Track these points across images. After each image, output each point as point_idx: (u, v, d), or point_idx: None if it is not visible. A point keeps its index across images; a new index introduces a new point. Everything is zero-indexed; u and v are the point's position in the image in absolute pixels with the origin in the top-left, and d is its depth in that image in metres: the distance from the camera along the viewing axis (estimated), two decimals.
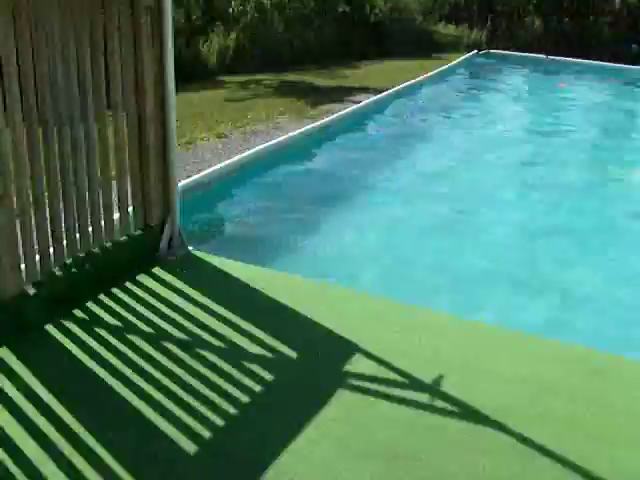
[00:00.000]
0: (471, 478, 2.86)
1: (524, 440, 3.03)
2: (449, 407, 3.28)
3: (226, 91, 13.27)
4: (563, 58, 21.12)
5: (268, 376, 3.54)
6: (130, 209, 4.84)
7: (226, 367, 3.59)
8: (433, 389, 3.41)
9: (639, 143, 12.85)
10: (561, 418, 3.23)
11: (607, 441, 3.07)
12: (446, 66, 18.13)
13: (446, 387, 3.43)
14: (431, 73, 16.65)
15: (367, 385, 3.50)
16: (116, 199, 4.73)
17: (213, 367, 3.58)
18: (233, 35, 15.52)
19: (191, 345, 3.78)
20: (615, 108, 16.19)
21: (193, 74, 13.14)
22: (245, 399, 3.34)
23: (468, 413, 3.24)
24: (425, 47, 20.47)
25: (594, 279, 6.42)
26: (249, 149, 8.88)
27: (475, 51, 21.34)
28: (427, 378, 3.50)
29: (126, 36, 4.45)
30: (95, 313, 4.12)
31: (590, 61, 20.73)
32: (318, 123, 10.70)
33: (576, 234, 7.52)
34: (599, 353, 3.96)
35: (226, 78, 14.33)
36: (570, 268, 6.63)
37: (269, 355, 3.73)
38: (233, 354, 3.72)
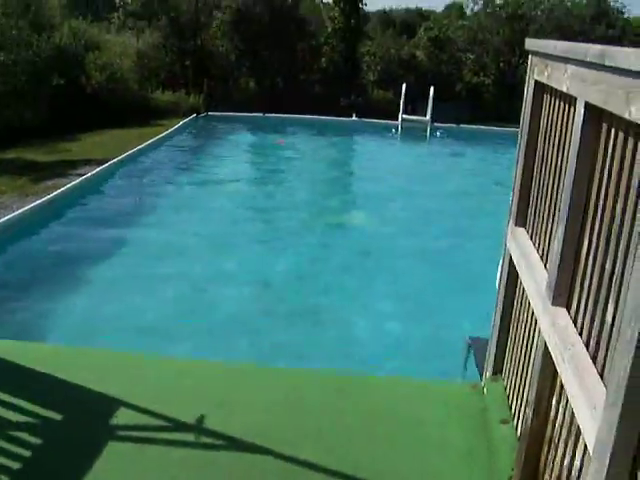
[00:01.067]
0: None
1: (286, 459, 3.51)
2: (215, 441, 3.69)
3: None
4: (279, 115, 23.69)
5: (35, 440, 3.69)
6: None
7: None
8: (197, 427, 3.80)
9: (348, 191, 15.46)
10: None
11: (358, 444, 3.66)
12: (166, 132, 19.63)
13: (209, 423, 3.82)
14: (152, 140, 18.04)
15: (136, 434, 3.81)
16: None
17: None
18: None
19: None
20: (327, 158, 19.00)
21: None
22: (17, 465, 3.50)
23: (232, 443, 3.68)
24: (144, 115, 21.71)
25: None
26: None
27: (194, 115, 23.19)
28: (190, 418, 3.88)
29: None
30: None
31: (303, 116, 23.50)
32: (43, 200, 11.48)
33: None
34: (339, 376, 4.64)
35: None
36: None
37: (35, 421, 3.87)
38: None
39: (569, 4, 28.64)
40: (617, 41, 26.22)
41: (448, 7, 44.15)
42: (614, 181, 2.29)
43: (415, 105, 24.24)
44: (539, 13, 27.90)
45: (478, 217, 12.36)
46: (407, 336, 7.45)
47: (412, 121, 22.82)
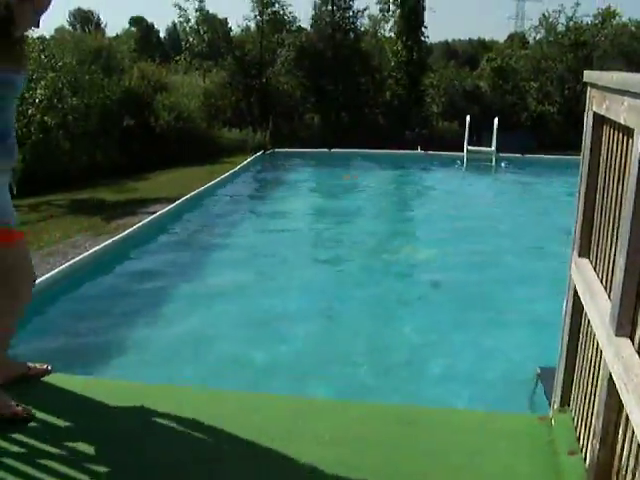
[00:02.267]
0: None
1: None
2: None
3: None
4: (344, 150, 23.92)
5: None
6: None
7: None
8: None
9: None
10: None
11: None
12: (233, 169, 20.04)
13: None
14: (220, 177, 18.44)
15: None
16: None
17: None
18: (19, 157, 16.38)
19: None
20: (392, 191, 19.10)
21: None
22: None
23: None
24: (212, 153, 22.25)
25: None
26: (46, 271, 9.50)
27: (261, 152, 23.59)
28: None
29: None
30: None
31: (368, 150, 23.67)
32: (116, 238, 11.83)
33: None
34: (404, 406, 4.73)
35: (14, 202, 15.09)
36: None
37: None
38: None
39: (633, 28, 28.30)
40: None
41: (510, 37, 44.12)
42: None
43: (480, 136, 24.22)
44: (602, 39, 27.62)
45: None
46: None
47: (477, 152, 22.78)
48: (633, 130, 2.76)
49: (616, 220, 3.13)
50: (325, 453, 3.87)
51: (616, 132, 3.22)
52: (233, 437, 4.03)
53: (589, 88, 3.72)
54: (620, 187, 3.09)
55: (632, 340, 2.76)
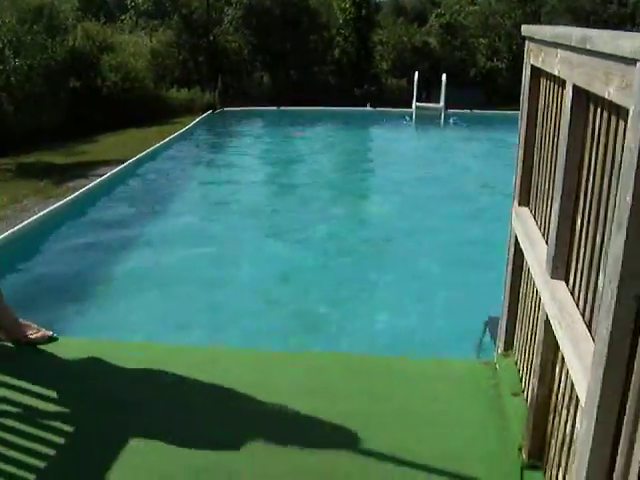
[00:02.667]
0: None
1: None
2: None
3: None
4: (294, 108, 23.85)
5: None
6: None
7: None
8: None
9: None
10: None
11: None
12: (183, 129, 19.89)
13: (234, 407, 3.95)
14: (170, 137, 18.32)
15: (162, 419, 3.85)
16: None
17: None
18: None
19: None
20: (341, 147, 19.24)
21: None
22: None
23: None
24: (160, 113, 21.98)
25: None
26: None
27: (210, 111, 23.41)
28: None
29: None
30: None
31: (317, 108, 23.67)
32: (65, 200, 11.79)
33: None
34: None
35: None
36: None
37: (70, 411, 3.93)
38: None
39: None
40: (629, 19, 26.15)
41: None
42: (601, 158, 2.44)
43: (430, 92, 24.35)
44: None
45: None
46: None
47: (425, 108, 22.92)
48: (565, 81, 2.88)
49: (552, 169, 3.26)
50: (296, 402, 3.99)
51: (551, 84, 3.34)
52: (203, 387, 4.16)
53: (527, 42, 3.83)
54: (556, 137, 3.22)
55: (567, 282, 2.91)
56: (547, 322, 2.97)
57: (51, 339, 4.42)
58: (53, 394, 3.94)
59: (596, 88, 2.34)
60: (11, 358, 4.32)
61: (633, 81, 1.86)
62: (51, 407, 3.84)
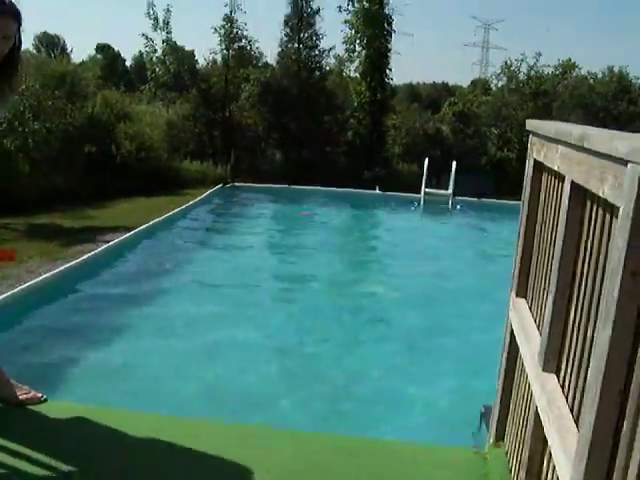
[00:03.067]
0: None
1: None
2: None
3: None
4: (304, 187, 24.14)
5: None
6: None
7: None
8: None
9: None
10: None
11: None
12: (193, 201, 20.11)
13: None
14: (180, 208, 18.50)
15: None
16: None
17: None
18: None
19: None
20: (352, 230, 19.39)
21: None
22: None
23: None
24: (172, 184, 22.22)
25: None
26: None
27: (220, 185, 23.70)
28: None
29: None
30: None
31: (326, 188, 23.95)
32: (72, 263, 11.83)
33: None
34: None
35: None
36: None
37: None
38: None
39: (592, 81, 29.10)
40: (639, 117, 26.63)
41: (474, 82, 45.04)
42: (595, 255, 2.49)
43: (440, 178, 24.64)
44: (562, 89, 28.38)
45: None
46: None
47: (434, 194, 23.16)
48: (564, 177, 2.95)
49: (549, 262, 3.30)
50: None
51: (551, 178, 3.42)
52: (191, 458, 4.11)
53: (531, 136, 3.93)
54: (554, 231, 3.27)
55: (557, 375, 2.92)
56: (537, 414, 2.98)
57: (41, 401, 4.44)
58: (39, 455, 3.92)
59: (592, 185, 2.40)
60: None
61: (624, 181, 1.92)
62: (35, 469, 3.82)
